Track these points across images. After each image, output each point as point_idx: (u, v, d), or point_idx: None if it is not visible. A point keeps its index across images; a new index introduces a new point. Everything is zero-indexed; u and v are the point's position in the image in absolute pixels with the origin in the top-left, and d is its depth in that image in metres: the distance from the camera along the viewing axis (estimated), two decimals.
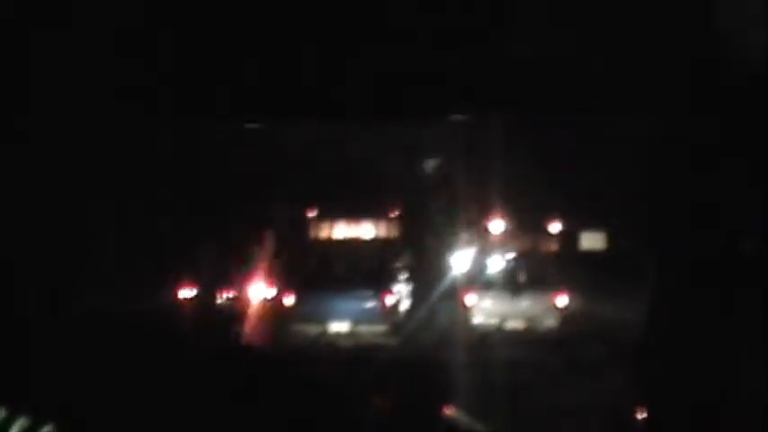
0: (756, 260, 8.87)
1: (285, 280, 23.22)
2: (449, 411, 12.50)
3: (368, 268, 23.25)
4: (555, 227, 25.45)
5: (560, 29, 9.35)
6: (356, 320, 22.21)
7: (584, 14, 9.29)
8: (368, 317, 22.30)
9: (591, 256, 26.55)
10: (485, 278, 23.68)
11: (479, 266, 24.16)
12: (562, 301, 22.56)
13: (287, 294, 22.72)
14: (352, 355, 20.54)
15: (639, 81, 9.30)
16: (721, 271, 9.17)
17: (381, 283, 22.86)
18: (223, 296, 23.95)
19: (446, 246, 25.39)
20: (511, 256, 24.05)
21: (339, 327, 22.16)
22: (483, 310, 22.89)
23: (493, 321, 22.69)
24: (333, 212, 24.84)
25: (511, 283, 23.17)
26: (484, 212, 25.20)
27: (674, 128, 9.49)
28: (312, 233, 24.74)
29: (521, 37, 9.27)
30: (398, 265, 24.15)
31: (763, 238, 8.81)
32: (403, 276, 24.02)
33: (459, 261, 24.95)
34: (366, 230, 24.87)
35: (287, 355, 20.28)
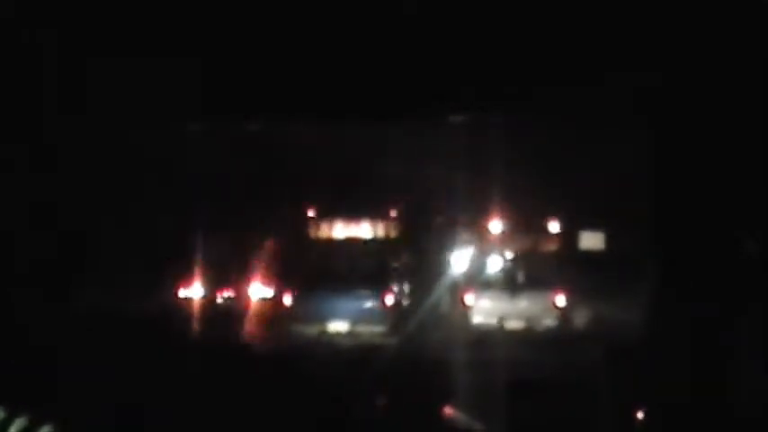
0: (759, 261, 8.87)
1: (284, 280, 23.20)
2: (449, 411, 12.49)
3: (367, 268, 23.21)
4: (554, 226, 25.35)
5: (561, 27, 9.35)
6: (355, 320, 22.19)
7: (588, 9, 9.29)
8: (367, 317, 22.28)
9: (591, 255, 26.46)
10: (484, 278, 23.65)
11: (479, 266, 24.12)
12: (561, 300, 22.55)
13: (286, 294, 22.70)
14: (352, 355, 20.53)
15: (639, 81, 9.31)
16: (724, 271, 9.17)
17: (381, 283, 22.84)
18: (223, 296, 23.95)
19: (445, 245, 25.35)
20: (510, 255, 24.01)
21: (338, 326, 22.15)
22: (482, 309, 22.88)
23: (492, 321, 22.68)
24: (332, 212, 24.80)
25: (510, 283, 23.15)
26: (483, 212, 25.14)
27: (675, 128, 9.50)
28: (311, 233, 24.68)
29: (521, 36, 9.27)
30: (398, 264, 24.11)
31: (766, 239, 8.81)
32: (402, 276, 23.98)
33: (459, 261, 24.91)
34: (365, 230, 24.83)
35: (286, 354, 20.29)
